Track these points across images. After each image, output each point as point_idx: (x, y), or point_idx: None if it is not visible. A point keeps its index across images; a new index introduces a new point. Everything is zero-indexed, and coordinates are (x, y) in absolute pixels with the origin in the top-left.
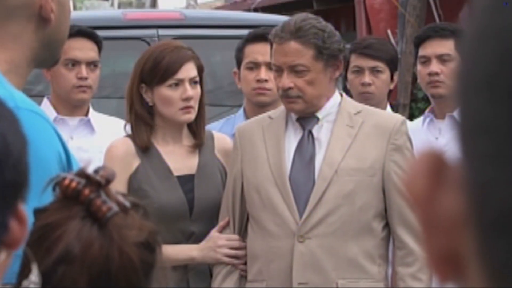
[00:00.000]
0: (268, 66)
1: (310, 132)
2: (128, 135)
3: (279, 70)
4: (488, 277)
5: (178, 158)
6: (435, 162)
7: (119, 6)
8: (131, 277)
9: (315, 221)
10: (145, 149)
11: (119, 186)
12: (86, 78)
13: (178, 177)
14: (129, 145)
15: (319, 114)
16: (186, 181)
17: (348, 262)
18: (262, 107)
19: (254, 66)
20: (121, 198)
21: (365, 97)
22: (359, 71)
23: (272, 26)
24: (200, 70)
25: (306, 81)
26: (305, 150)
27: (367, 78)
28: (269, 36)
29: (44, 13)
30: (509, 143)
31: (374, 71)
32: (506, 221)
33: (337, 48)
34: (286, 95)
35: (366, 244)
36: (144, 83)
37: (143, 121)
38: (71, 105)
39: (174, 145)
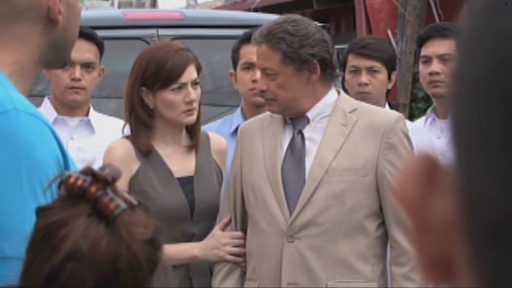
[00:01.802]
0: None
1: (300, 132)
2: (127, 137)
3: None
4: (480, 284)
5: (177, 160)
6: (428, 166)
7: (119, 6)
8: (137, 275)
9: (304, 221)
10: (146, 152)
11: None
12: (79, 79)
13: (178, 179)
14: (129, 147)
15: (309, 114)
16: (186, 182)
17: (339, 263)
18: (259, 107)
19: (250, 66)
20: (127, 196)
21: (362, 97)
22: (356, 71)
23: None
24: (198, 70)
25: (277, 84)
26: (296, 150)
27: (364, 78)
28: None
29: (52, 15)
30: (504, 151)
31: (371, 71)
32: (499, 230)
33: (308, 52)
34: (261, 96)
35: (358, 244)
36: (145, 87)
37: (144, 124)
38: (68, 106)
39: (173, 146)
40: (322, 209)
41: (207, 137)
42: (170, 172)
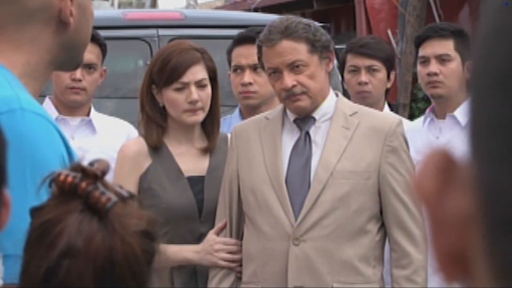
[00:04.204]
0: (253, 68)
1: (307, 133)
2: (141, 135)
3: (276, 72)
4: (497, 277)
5: (190, 159)
6: (444, 161)
7: (119, 6)
8: (134, 267)
9: (310, 224)
10: (156, 148)
11: (129, 185)
12: (79, 80)
13: (188, 178)
14: (142, 145)
15: (316, 115)
16: (196, 182)
17: (343, 265)
18: (256, 108)
19: (239, 69)
20: (118, 189)
21: (362, 96)
22: (356, 70)
23: None
24: (211, 71)
25: (307, 76)
26: (302, 152)
27: (364, 77)
28: (258, 42)
29: (63, 17)
30: None
31: (371, 70)
32: None
33: (326, 39)
34: (291, 93)
35: (361, 247)
36: (154, 84)
37: (154, 122)
38: (69, 106)
39: (186, 146)
40: (328, 212)
41: (225, 139)
42: (179, 171)
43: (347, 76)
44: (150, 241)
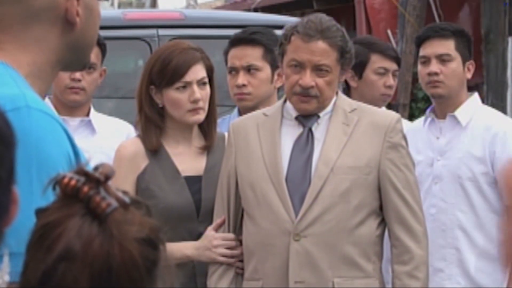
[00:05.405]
0: (247, 69)
1: (310, 130)
2: (139, 135)
3: (299, 66)
4: None
5: (187, 159)
6: None
7: (119, 6)
8: (132, 274)
9: (311, 219)
10: (154, 151)
11: (127, 186)
12: (79, 80)
13: (186, 178)
14: (139, 145)
15: (320, 113)
16: (194, 182)
17: (344, 260)
18: (251, 110)
19: (233, 71)
20: (120, 194)
21: (384, 99)
22: (384, 73)
23: (272, 26)
24: (209, 70)
25: (326, 81)
26: (304, 148)
27: (392, 80)
28: (290, 30)
29: (69, 17)
30: None
31: (394, 73)
32: None
33: (353, 53)
34: (305, 93)
35: (361, 242)
36: (153, 85)
37: (153, 123)
38: (68, 106)
39: (184, 145)
40: (328, 207)
41: (223, 138)
42: (177, 171)
43: (373, 77)
44: (152, 249)
